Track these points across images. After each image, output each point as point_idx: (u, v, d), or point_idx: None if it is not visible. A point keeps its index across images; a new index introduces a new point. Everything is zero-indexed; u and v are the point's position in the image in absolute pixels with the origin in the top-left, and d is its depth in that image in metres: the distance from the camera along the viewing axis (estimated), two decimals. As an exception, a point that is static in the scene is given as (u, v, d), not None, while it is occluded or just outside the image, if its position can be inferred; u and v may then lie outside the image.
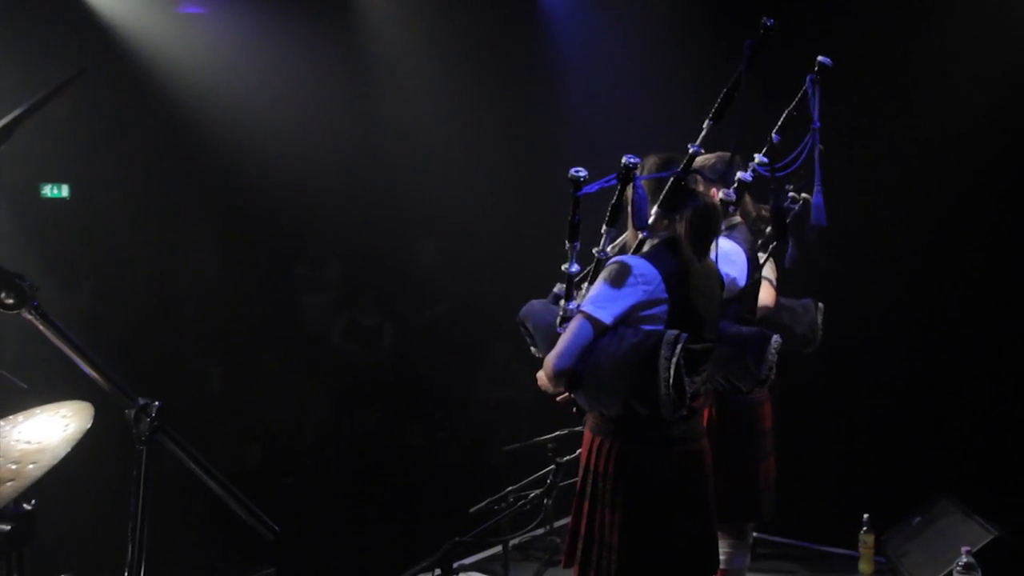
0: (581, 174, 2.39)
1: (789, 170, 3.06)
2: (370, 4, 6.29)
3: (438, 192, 6.35)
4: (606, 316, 2.38)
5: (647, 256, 2.47)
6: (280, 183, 6.07)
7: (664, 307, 2.40)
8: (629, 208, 2.49)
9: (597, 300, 2.41)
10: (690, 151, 2.56)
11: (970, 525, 3.93)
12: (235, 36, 6.08)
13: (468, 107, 6.19)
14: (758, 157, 3.03)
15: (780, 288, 3.56)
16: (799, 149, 3.06)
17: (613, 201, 2.50)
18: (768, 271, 3.43)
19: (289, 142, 6.08)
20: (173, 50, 5.97)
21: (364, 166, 6.52)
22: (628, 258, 2.46)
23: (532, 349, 2.71)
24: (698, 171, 2.62)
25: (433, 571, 3.34)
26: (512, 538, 4.01)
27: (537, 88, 6.30)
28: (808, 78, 3.07)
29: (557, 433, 3.96)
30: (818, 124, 3.04)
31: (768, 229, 3.42)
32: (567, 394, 2.55)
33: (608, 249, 2.60)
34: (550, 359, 2.42)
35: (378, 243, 6.54)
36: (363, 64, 6.45)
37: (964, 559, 3.56)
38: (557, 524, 4.38)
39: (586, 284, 2.60)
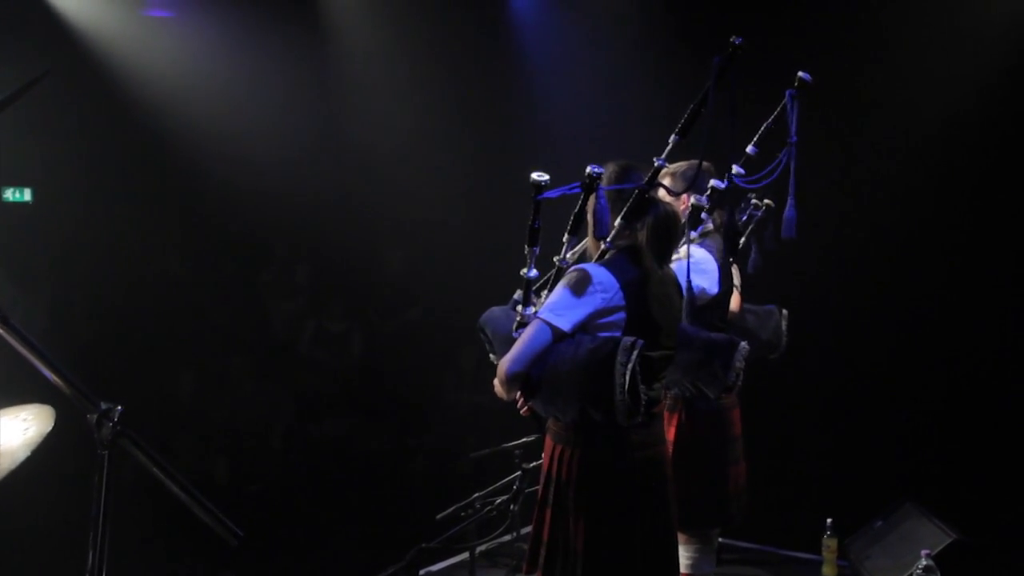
0: (543, 179, 2.38)
1: (762, 184, 3.08)
2: (338, 8, 6.28)
3: (407, 198, 6.35)
4: (564, 323, 2.38)
5: (606, 264, 2.47)
6: (247, 187, 6.03)
7: (622, 315, 2.41)
8: (590, 217, 2.50)
9: (556, 307, 2.41)
10: (655, 164, 2.58)
11: (930, 529, 3.98)
12: (202, 40, 6.04)
13: (437, 112, 6.19)
14: (736, 168, 3.05)
15: (745, 293, 3.59)
16: (775, 163, 3.08)
17: (576, 210, 2.50)
18: (733, 277, 3.46)
19: (256, 146, 6.04)
20: (139, 53, 5.92)
21: (332, 171, 6.50)
22: (588, 266, 2.47)
23: (491, 356, 2.69)
24: (663, 185, 2.64)
25: (399, 577, 3.33)
26: (479, 544, 4.00)
27: (506, 93, 6.32)
28: (787, 93, 3.09)
29: (524, 440, 3.97)
30: (795, 139, 3.06)
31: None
32: (525, 402, 2.55)
33: (568, 257, 2.61)
34: (503, 363, 2.41)
35: (347, 249, 6.51)
36: (331, 68, 6.43)
37: (924, 562, 3.60)
38: (524, 530, 4.37)
39: (545, 291, 2.60)
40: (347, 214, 6.45)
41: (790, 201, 3.09)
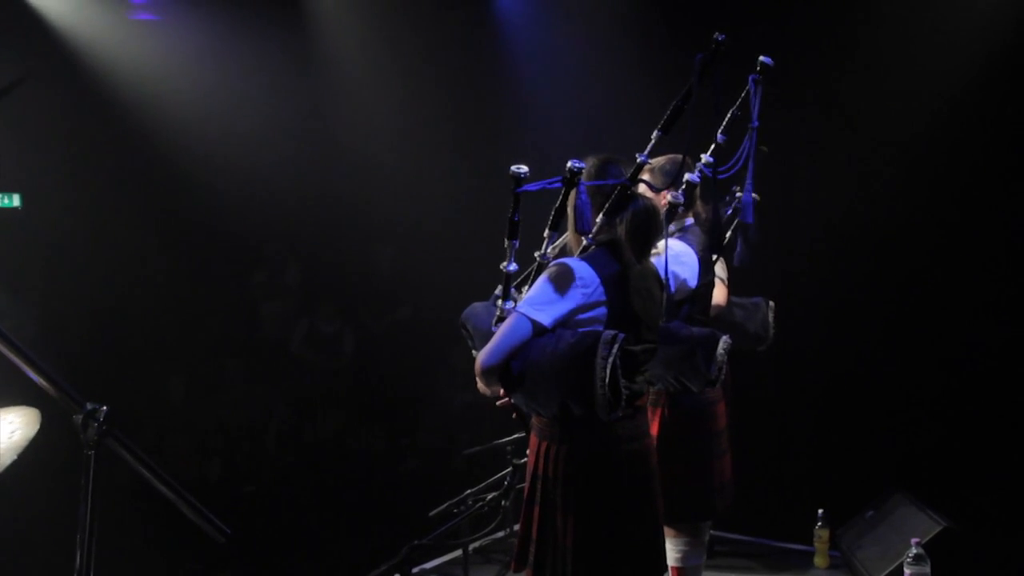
0: (521, 171, 2.38)
1: (731, 172, 3.09)
2: (324, 10, 6.28)
3: (396, 197, 6.35)
4: (545, 318, 2.38)
5: (587, 259, 2.47)
6: (237, 190, 6.04)
7: (603, 310, 2.41)
8: (571, 212, 2.49)
9: (536, 302, 2.40)
10: (637, 160, 2.58)
11: (921, 518, 3.99)
12: (189, 43, 6.04)
13: (425, 111, 6.19)
14: (704, 158, 3.07)
15: (732, 286, 3.60)
16: (740, 150, 3.09)
17: (557, 204, 2.50)
18: (720, 270, 3.46)
19: (245, 148, 6.04)
20: (126, 57, 5.92)
21: (322, 172, 6.50)
22: (569, 261, 2.46)
23: (473, 351, 2.67)
24: (645, 181, 2.64)
25: (393, 575, 3.34)
26: (471, 541, 4.01)
27: (494, 91, 6.32)
28: (750, 78, 3.10)
29: (515, 436, 3.98)
30: (756, 124, 3.07)
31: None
32: (507, 398, 2.55)
33: (549, 251, 2.60)
34: (479, 356, 2.41)
35: (337, 249, 6.52)
36: (319, 70, 6.43)
37: (914, 551, 3.62)
38: (516, 526, 4.38)
39: (526, 286, 2.59)
40: (337, 214, 6.46)
41: (747, 186, 3.10)
